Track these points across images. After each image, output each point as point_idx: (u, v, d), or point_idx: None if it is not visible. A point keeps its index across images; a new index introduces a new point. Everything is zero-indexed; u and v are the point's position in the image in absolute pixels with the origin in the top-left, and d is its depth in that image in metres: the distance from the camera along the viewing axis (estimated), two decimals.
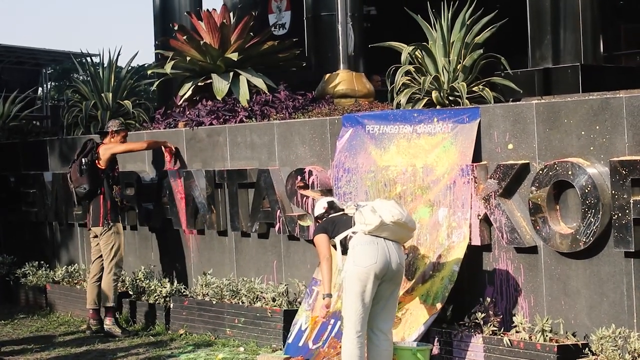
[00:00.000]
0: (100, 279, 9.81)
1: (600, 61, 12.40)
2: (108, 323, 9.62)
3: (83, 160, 9.74)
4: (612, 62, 14.51)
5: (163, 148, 10.28)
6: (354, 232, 6.72)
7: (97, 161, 9.80)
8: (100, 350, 9.01)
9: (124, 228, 10.19)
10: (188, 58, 11.09)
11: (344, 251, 6.75)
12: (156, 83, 12.49)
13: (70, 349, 9.11)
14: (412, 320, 7.43)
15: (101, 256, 9.80)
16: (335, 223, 6.93)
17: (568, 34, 12.09)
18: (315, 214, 7.23)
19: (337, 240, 6.82)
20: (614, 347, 6.29)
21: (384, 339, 6.71)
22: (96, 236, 9.81)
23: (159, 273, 10.50)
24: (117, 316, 9.79)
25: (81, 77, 16.17)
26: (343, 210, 7.09)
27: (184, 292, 9.79)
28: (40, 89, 24.35)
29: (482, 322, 7.12)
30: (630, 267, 6.53)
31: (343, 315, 6.71)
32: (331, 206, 7.16)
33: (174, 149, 10.25)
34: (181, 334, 9.33)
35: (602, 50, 12.58)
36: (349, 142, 8.40)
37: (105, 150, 9.84)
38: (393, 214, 6.59)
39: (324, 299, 6.89)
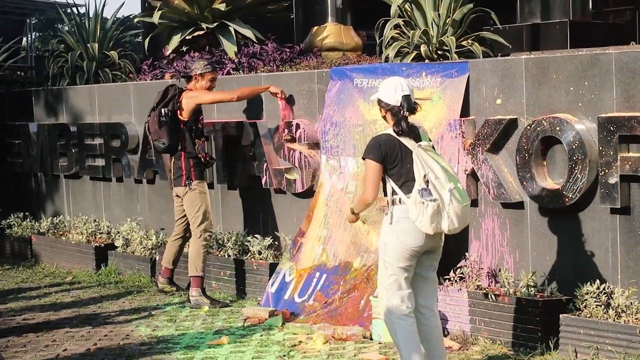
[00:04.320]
0: (182, 238, 8.84)
1: (588, 17, 12.38)
2: (194, 294, 8.53)
3: (163, 110, 8.54)
4: (600, 19, 14.46)
5: (273, 95, 8.89)
6: (402, 201, 5.70)
7: (179, 111, 8.62)
8: (86, 300, 9.02)
9: (210, 186, 9.22)
10: (175, 1, 10.98)
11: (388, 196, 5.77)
12: (147, 39, 12.32)
13: (57, 299, 9.12)
14: None
15: (184, 217, 8.74)
16: (399, 157, 5.74)
17: None
18: (383, 97, 5.83)
19: (389, 185, 5.76)
20: (598, 302, 6.33)
21: (432, 315, 5.90)
22: (178, 195, 8.70)
23: (145, 225, 10.48)
24: (204, 286, 8.65)
25: (66, 28, 16.03)
26: (416, 130, 5.81)
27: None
28: (24, 39, 24.11)
29: (467, 277, 7.16)
30: (615, 223, 6.55)
31: (383, 292, 5.82)
32: (408, 107, 5.79)
33: (285, 94, 8.86)
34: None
35: (590, 6, 12.55)
36: (337, 95, 8.37)
37: (188, 100, 8.61)
38: (450, 229, 5.65)
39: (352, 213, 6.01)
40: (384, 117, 5.91)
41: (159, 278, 8.98)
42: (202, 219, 8.54)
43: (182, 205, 8.68)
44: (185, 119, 8.61)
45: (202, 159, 8.66)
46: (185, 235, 8.83)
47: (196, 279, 8.56)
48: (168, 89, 8.70)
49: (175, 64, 10.66)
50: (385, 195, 5.79)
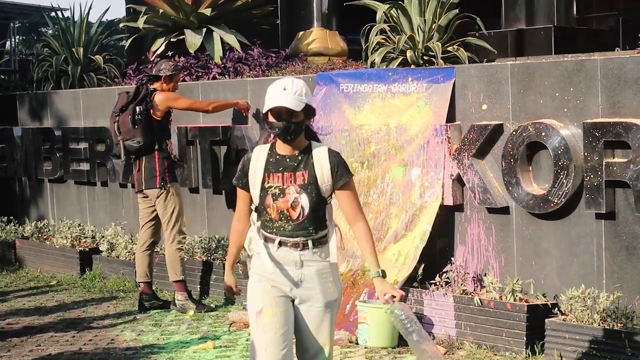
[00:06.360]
0: (150, 246, 8.64)
1: (572, 23, 12.45)
2: (180, 298, 8.46)
3: (137, 108, 8.33)
4: (584, 25, 14.55)
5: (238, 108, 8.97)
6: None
7: (152, 110, 8.43)
8: (71, 304, 8.98)
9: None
10: (161, 11, 10.99)
11: None
12: (129, 41, 12.32)
13: (41, 303, 9.08)
14: None
15: (152, 220, 8.57)
16: None
17: None
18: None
19: (329, 214, 4.75)
20: (583, 307, 6.35)
21: None
22: (146, 196, 8.52)
23: (130, 229, 10.46)
24: (189, 289, 8.61)
25: (50, 32, 15.98)
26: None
27: (155, 249, 9.74)
28: (8, 42, 24.04)
29: (453, 282, 7.18)
30: (600, 228, 6.59)
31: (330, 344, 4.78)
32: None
33: (249, 107, 8.92)
34: None
35: (574, 12, 12.63)
36: (323, 100, 8.38)
37: (162, 102, 8.42)
38: None
39: (382, 277, 4.70)
40: (304, 128, 4.81)
41: (142, 296, 8.63)
42: (175, 221, 8.44)
43: (151, 207, 8.53)
44: (159, 119, 8.45)
45: (174, 159, 8.61)
46: (154, 240, 8.69)
47: (179, 284, 8.49)
48: (139, 89, 8.51)
49: None
50: (324, 229, 4.64)
